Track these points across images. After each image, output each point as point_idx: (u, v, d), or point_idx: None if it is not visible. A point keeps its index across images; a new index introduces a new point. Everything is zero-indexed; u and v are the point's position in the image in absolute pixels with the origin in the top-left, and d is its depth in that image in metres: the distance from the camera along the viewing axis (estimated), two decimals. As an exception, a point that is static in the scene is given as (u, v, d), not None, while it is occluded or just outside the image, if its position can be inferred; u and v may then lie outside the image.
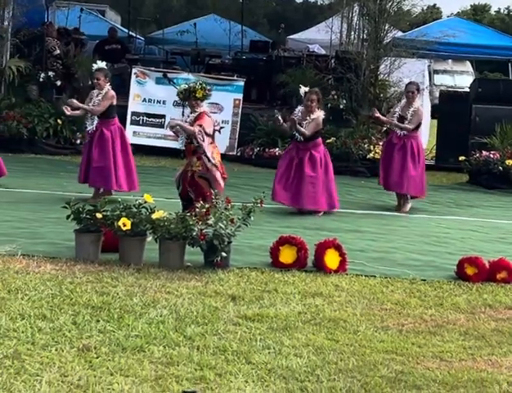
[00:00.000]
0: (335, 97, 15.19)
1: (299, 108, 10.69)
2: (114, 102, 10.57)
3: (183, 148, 8.93)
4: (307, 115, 10.50)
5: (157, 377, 4.86)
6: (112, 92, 10.47)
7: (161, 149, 14.81)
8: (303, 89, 10.61)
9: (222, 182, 8.79)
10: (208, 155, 8.68)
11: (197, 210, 8.19)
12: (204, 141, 8.62)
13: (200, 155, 8.70)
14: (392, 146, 11.30)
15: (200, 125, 8.62)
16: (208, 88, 8.89)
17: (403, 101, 11.43)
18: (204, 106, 8.91)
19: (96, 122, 10.39)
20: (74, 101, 10.67)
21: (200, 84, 8.82)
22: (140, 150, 14.69)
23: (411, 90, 11.16)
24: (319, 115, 10.56)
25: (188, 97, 8.80)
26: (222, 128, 14.98)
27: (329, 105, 14.63)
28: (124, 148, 10.62)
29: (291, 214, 10.49)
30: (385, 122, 12.11)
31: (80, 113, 10.67)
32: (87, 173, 10.50)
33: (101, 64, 10.51)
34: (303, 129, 10.41)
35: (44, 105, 15.08)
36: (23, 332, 5.43)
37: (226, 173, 9.00)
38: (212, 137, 8.82)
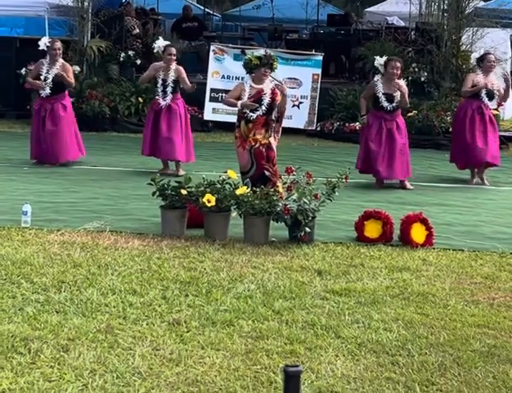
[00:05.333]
0: (416, 69, 14.94)
1: (378, 79, 10.34)
2: None
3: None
4: (392, 84, 10.13)
5: (247, 351, 4.88)
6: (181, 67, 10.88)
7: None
8: (379, 60, 10.28)
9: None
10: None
11: (279, 184, 8.21)
12: None
13: (268, 128, 8.64)
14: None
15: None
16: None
17: (480, 73, 10.76)
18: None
19: (169, 97, 10.67)
20: None
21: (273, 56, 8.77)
22: (219, 126, 14.78)
23: (492, 60, 10.78)
24: (402, 82, 10.43)
25: (266, 65, 8.54)
26: (300, 103, 14.96)
27: (409, 77, 14.38)
28: (186, 121, 10.96)
29: (375, 189, 10.37)
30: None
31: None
32: (154, 145, 10.79)
33: (163, 42, 10.96)
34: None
35: (125, 84, 15.26)
36: (114, 307, 5.52)
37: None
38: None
